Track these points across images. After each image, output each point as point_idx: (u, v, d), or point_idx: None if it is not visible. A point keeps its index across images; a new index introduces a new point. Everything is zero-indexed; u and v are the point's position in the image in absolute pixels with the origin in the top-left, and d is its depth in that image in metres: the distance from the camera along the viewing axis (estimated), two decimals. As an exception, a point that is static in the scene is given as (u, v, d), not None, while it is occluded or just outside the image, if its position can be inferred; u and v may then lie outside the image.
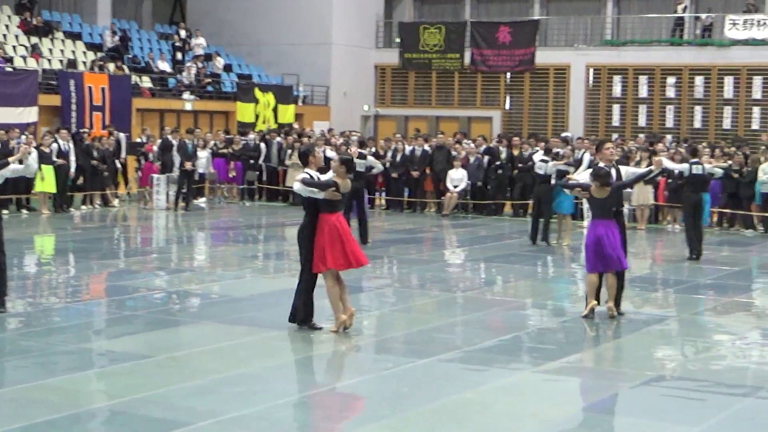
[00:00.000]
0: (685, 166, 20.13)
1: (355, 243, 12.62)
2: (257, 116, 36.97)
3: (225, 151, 31.60)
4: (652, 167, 14.34)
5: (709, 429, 8.95)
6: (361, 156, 21.49)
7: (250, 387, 9.96)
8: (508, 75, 39.33)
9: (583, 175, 14.60)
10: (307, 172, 12.59)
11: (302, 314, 12.67)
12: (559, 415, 9.47)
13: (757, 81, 35.39)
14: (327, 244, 12.25)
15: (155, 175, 28.66)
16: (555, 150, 23.13)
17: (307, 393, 9.95)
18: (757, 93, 35.43)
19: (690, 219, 20.15)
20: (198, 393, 9.70)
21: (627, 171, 14.44)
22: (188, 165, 28.16)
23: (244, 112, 36.72)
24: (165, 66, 37.93)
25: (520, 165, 28.01)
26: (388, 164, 29.23)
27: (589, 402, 10.09)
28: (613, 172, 14.11)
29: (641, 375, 10.90)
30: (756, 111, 35.44)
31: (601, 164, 14.20)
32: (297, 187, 12.53)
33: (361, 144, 24.57)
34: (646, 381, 10.67)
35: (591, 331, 13.66)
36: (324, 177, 12.66)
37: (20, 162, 13.88)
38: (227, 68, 40.13)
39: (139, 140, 31.25)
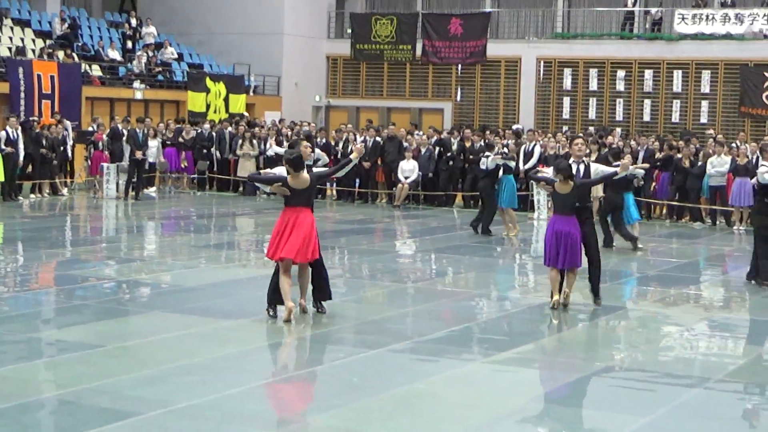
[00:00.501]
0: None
1: (297, 238, 12.49)
2: (208, 106, 36.81)
3: (180, 141, 31.49)
4: (618, 169, 14.38)
5: (657, 419, 9.03)
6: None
7: (200, 377, 9.93)
8: (460, 67, 39.38)
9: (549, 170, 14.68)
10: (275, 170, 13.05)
11: (270, 299, 12.86)
12: (509, 406, 9.52)
13: (705, 75, 35.67)
14: (273, 234, 12.62)
15: (105, 164, 28.47)
16: (499, 144, 23.47)
17: (258, 383, 9.94)
18: (705, 87, 35.71)
19: (606, 218, 20.22)
20: (148, 383, 9.66)
21: (596, 168, 14.45)
22: (138, 154, 27.98)
23: (195, 101, 36.55)
24: (115, 54, 37.66)
25: (470, 156, 28.11)
26: (339, 155, 29.24)
27: (539, 392, 10.16)
28: (582, 168, 14.19)
29: (591, 366, 10.99)
30: (704, 105, 35.72)
31: (573, 160, 14.33)
32: (250, 179, 13.05)
33: (308, 138, 24.58)
34: (596, 372, 10.75)
35: (541, 322, 13.74)
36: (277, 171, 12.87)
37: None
38: (178, 57, 39.91)
39: (89, 129, 31.01)
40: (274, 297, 12.78)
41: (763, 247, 16.30)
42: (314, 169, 13.20)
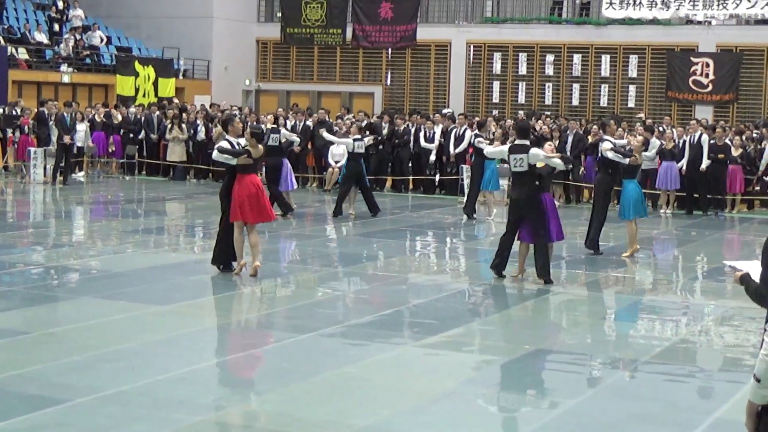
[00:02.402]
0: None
1: (267, 200, 14.93)
2: (137, 90, 36.50)
3: (103, 124, 31.20)
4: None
5: (584, 401, 9.14)
6: (275, 130, 22.14)
7: (129, 363, 9.89)
8: (390, 51, 39.40)
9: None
10: (227, 140, 14.51)
11: (221, 259, 14.78)
12: (438, 389, 9.58)
13: (633, 60, 35.98)
14: (245, 198, 14.21)
15: (32, 149, 28.16)
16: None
17: (188, 368, 9.90)
18: (632, 72, 36.02)
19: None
20: (76, 369, 9.61)
21: (536, 154, 14.65)
22: (66, 139, 27.68)
23: (123, 85, 36.21)
24: (42, 37, 37.21)
25: (396, 141, 28.28)
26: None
27: (469, 376, 10.22)
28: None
29: (520, 348, 11.08)
30: (632, 89, 36.05)
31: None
32: (215, 155, 14.61)
33: (275, 119, 24.91)
34: (525, 354, 10.85)
35: (472, 305, 13.84)
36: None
37: None
38: (107, 41, 39.50)
39: (14, 113, 30.61)
40: (224, 255, 14.73)
41: (601, 214, 17.75)
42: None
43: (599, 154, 17.77)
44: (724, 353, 11.64)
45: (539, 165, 14.63)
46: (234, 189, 14.32)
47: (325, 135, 24.21)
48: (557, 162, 14.69)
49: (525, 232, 14.77)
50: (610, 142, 17.54)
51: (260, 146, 14.69)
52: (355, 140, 21.96)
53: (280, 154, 22.49)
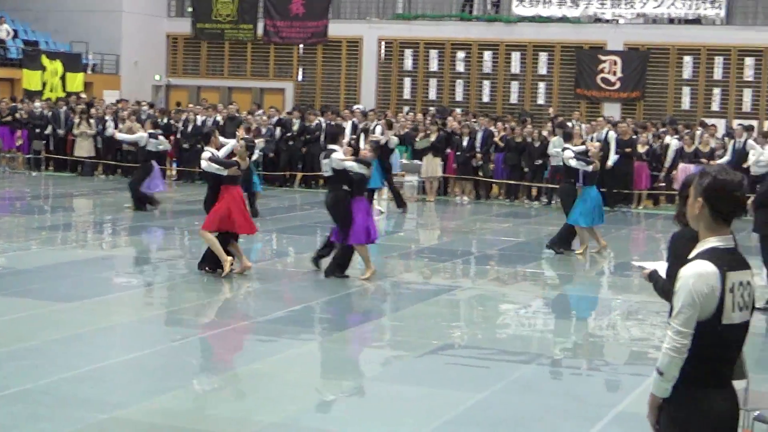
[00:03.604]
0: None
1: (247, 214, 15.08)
2: (44, 84, 35.98)
3: (9, 119, 30.71)
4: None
5: (491, 395, 9.21)
6: (153, 135, 22.09)
7: (33, 361, 9.75)
8: (301, 47, 39.31)
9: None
10: (210, 151, 14.79)
11: (210, 262, 14.68)
12: (346, 385, 9.59)
13: (543, 57, 36.28)
14: (234, 210, 14.45)
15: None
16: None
17: (93, 366, 9.78)
18: (542, 69, 36.32)
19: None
20: (-21, 368, 9.45)
21: (336, 158, 14.86)
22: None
23: (30, 79, 35.67)
24: (-54, 30, 36.55)
25: (307, 137, 28.24)
26: (179, 134, 29.07)
27: (377, 371, 10.24)
28: None
29: (428, 344, 11.11)
30: (541, 86, 36.34)
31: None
32: (204, 165, 14.67)
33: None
34: (433, 350, 10.89)
35: (380, 301, 13.86)
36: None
37: None
38: (13, 34, 38.88)
39: None
40: (212, 261, 14.68)
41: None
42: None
43: (563, 162, 17.80)
44: (629, 347, 11.79)
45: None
46: (221, 199, 14.51)
47: (118, 135, 24.37)
48: (351, 165, 14.59)
49: (335, 232, 14.93)
50: (571, 150, 17.69)
51: (247, 160, 15.10)
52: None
53: (156, 156, 22.27)
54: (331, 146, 14.98)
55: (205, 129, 17.47)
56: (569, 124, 25.42)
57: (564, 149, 17.92)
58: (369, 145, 16.69)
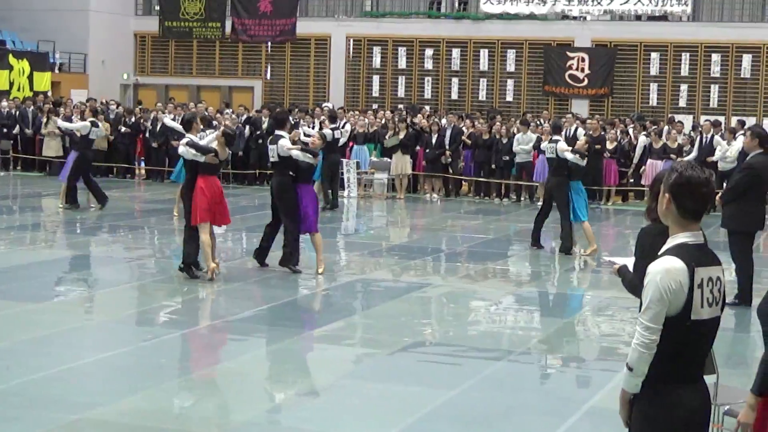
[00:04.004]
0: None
1: (225, 205, 14.61)
2: (11, 83, 35.77)
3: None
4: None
5: (462, 392, 9.23)
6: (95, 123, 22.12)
7: (3, 362, 9.70)
8: (269, 45, 39.24)
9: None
10: (189, 137, 14.42)
11: (192, 258, 14.25)
12: (317, 383, 9.60)
13: (511, 54, 36.36)
14: (209, 201, 14.04)
15: None
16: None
17: (63, 366, 9.74)
18: (510, 66, 36.40)
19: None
20: (-51, 369, 9.40)
21: (283, 145, 14.94)
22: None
23: (-4, 79, 35.49)
24: None
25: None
26: (147, 133, 28.96)
27: (349, 369, 10.24)
28: None
29: (399, 342, 11.13)
30: (510, 83, 36.42)
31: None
32: (182, 149, 14.32)
33: (94, 113, 24.77)
34: (404, 347, 10.91)
35: (351, 299, 13.87)
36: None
37: None
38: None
39: None
40: (192, 258, 14.26)
41: (568, 217, 17.46)
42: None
43: (556, 155, 17.61)
44: (600, 343, 11.86)
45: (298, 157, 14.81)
46: (197, 190, 14.09)
47: (60, 123, 24.28)
48: (296, 153, 14.71)
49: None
50: (565, 143, 17.70)
51: (226, 150, 14.60)
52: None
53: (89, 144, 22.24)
54: (278, 132, 15.06)
55: (187, 115, 17.12)
56: (538, 121, 25.48)
57: (555, 141, 17.78)
58: (317, 134, 16.80)
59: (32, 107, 31.08)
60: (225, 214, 14.63)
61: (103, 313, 12.34)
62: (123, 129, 28.92)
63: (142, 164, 29.88)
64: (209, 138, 14.75)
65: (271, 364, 10.22)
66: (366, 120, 28.11)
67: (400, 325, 12.09)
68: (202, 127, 16.95)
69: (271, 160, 15.13)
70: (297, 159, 14.65)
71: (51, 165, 29.69)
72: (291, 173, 14.77)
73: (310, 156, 14.71)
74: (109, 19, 39.89)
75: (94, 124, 21.74)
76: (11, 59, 35.76)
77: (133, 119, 29.43)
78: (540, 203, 24.92)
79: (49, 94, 34.72)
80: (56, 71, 38.42)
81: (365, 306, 13.52)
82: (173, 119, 28.08)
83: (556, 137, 17.95)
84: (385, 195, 26.45)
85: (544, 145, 18.95)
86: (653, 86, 34.86)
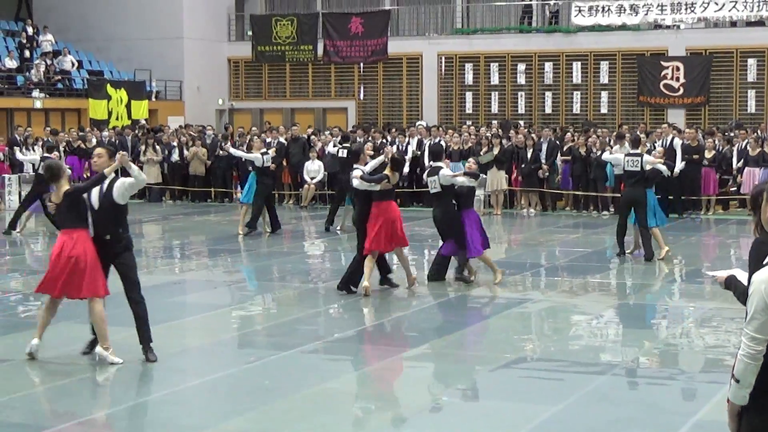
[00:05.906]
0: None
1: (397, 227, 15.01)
2: (110, 113, 36.38)
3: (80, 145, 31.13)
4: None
5: (567, 408, 9.15)
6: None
7: (110, 387, 9.82)
8: (362, 65, 39.43)
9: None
10: (359, 168, 15.07)
11: (353, 281, 14.83)
12: (421, 401, 9.59)
13: (604, 66, 36.11)
14: (385, 225, 14.70)
15: (6, 176, 28.05)
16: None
17: (169, 390, 9.86)
18: (603, 78, 36.15)
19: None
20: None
21: (445, 174, 15.41)
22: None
23: (96, 108, 36.05)
24: (12, 64, 37.08)
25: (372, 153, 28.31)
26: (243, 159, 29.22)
27: (451, 386, 10.21)
28: None
29: (501, 358, 11.09)
30: (604, 95, 36.16)
31: None
32: (356, 183, 14.91)
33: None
34: (506, 363, 10.86)
35: (451, 316, 13.84)
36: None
37: None
38: (78, 65, 39.40)
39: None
40: (354, 280, 14.92)
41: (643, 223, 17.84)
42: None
43: (641, 167, 17.82)
44: (704, 354, 11.68)
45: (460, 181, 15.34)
46: (373, 216, 14.76)
47: (232, 150, 25.19)
48: (462, 180, 15.22)
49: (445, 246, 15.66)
50: (648, 155, 18.48)
51: (397, 174, 15.21)
52: (262, 155, 21.84)
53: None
54: (435, 163, 15.78)
55: (355, 146, 17.77)
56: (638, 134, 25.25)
57: (639, 155, 18.01)
58: (473, 158, 17.76)
59: (131, 135, 31.58)
60: (402, 237, 15.12)
61: (205, 336, 12.46)
62: (220, 153, 29.23)
63: (239, 189, 30.17)
64: (372, 163, 15.74)
65: (373, 383, 10.23)
66: (460, 137, 28.11)
67: (501, 341, 12.05)
68: (371, 153, 17.70)
69: (432, 191, 15.59)
70: (462, 185, 15.32)
71: (150, 191, 30.13)
72: (453, 201, 15.51)
73: (472, 179, 15.41)
74: (203, 46, 40.43)
75: (263, 154, 22.03)
76: (109, 89, 36.35)
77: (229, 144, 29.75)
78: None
79: (142, 120, 35.24)
80: (153, 99, 39.01)
81: (466, 323, 13.48)
82: (269, 143, 28.36)
83: (635, 150, 18.12)
84: (482, 211, 26.36)
85: (612, 157, 19.25)
86: (751, 93, 34.35)
